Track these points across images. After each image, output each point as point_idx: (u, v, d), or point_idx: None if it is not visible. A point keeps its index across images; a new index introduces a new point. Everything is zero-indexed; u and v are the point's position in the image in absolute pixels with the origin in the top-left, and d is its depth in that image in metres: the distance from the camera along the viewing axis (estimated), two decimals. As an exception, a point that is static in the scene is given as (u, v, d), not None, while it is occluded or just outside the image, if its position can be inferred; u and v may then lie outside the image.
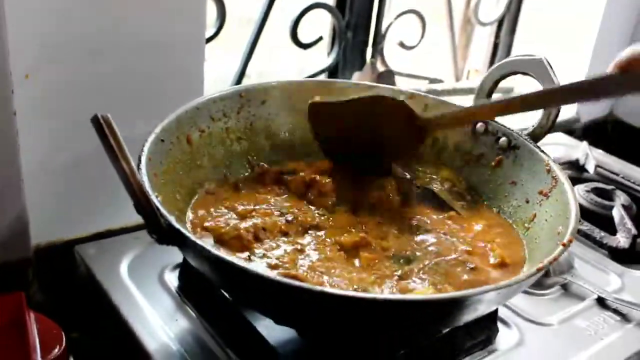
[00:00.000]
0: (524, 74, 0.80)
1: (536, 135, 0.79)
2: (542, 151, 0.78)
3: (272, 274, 0.54)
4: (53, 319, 0.68)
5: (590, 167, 1.19)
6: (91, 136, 0.59)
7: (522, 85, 1.54)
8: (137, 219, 0.84)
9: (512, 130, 0.81)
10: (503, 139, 0.82)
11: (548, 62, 0.78)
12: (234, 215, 0.73)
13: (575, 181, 1.12)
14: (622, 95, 0.73)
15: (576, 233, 0.91)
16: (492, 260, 0.71)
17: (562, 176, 0.73)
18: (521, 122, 0.85)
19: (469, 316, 0.59)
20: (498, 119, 0.83)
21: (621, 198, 1.06)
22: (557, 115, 0.78)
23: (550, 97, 0.73)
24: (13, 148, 0.73)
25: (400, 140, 0.81)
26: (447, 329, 0.70)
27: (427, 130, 0.80)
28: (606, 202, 1.05)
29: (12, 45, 0.69)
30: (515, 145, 0.80)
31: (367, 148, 0.82)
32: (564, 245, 0.62)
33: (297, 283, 0.53)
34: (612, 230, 0.99)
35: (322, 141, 0.85)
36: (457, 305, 0.56)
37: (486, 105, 0.80)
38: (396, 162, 0.84)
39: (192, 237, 0.56)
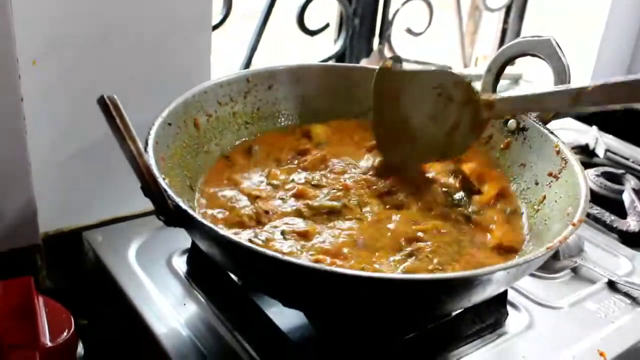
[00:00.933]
0: (533, 55, 0.79)
1: (544, 117, 0.79)
2: (552, 132, 0.77)
3: (279, 254, 0.54)
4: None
5: (600, 152, 1.18)
6: (98, 123, 0.59)
7: (530, 71, 1.53)
8: (145, 207, 0.86)
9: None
10: (512, 121, 0.81)
11: (556, 43, 0.77)
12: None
13: (585, 166, 1.10)
14: None
15: (586, 214, 0.91)
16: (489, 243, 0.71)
17: (572, 157, 0.73)
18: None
19: (478, 296, 0.58)
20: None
21: (631, 182, 1.06)
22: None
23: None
24: (21, 134, 0.73)
25: (459, 127, 0.77)
26: (457, 310, 0.70)
27: (489, 117, 0.76)
28: (616, 186, 1.04)
29: (19, 32, 0.69)
30: (524, 127, 0.80)
31: (425, 134, 0.79)
32: (573, 225, 0.62)
33: (304, 262, 0.53)
34: (623, 214, 0.98)
35: (378, 122, 0.82)
36: (467, 284, 0.55)
37: (564, 93, 0.71)
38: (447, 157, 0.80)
39: (200, 218, 0.56)
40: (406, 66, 1.31)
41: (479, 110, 0.76)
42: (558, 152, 0.75)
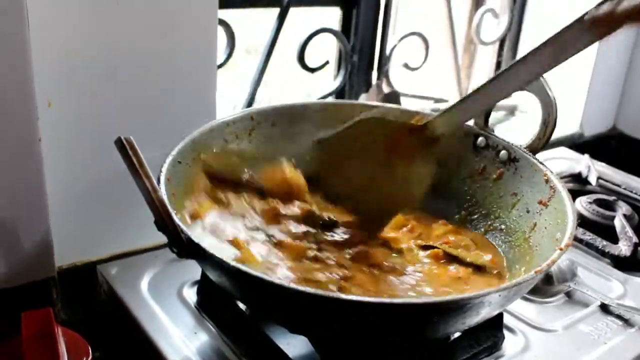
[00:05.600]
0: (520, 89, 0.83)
1: (534, 148, 0.83)
2: (541, 162, 0.81)
3: (285, 282, 0.57)
4: (77, 337, 0.71)
5: (593, 179, 1.22)
6: (111, 160, 0.63)
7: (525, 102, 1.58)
8: (155, 240, 0.89)
9: (512, 144, 0.84)
10: (503, 152, 0.85)
11: (544, 78, 0.81)
12: None
13: (578, 193, 1.15)
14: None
15: (579, 240, 0.94)
16: None
17: (560, 185, 0.77)
18: (520, 136, 0.88)
19: (472, 319, 0.62)
20: (497, 132, 0.87)
21: (623, 208, 1.09)
22: (553, 129, 0.81)
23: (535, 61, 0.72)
24: (39, 173, 0.76)
25: (408, 170, 0.80)
26: (454, 333, 0.73)
27: (433, 140, 0.79)
28: (608, 213, 1.07)
29: (36, 75, 0.72)
30: (515, 157, 0.84)
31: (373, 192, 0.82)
32: (561, 249, 0.65)
33: (311, 290, 0.56)
34: (615, 240, 1.01)
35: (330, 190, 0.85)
36: (460, 307, 0.59)
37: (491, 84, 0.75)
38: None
39: (211, 251, 0.60)
40: (403, 100, 1.36)
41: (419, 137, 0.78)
42: (547, 181, 0.78)
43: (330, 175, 0.86)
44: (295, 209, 0.83)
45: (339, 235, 0.80)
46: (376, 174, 0.83)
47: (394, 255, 0.79)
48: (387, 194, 0.82)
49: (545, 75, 0.81)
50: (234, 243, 0.72)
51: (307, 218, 0.81)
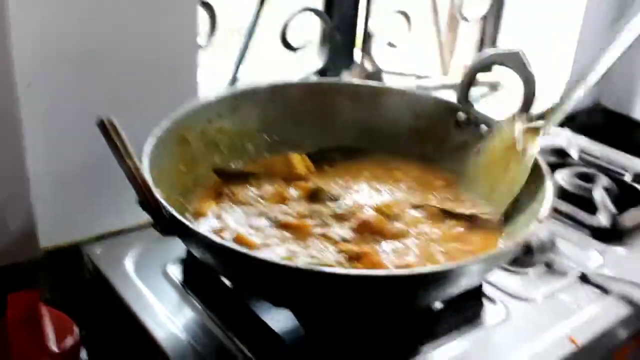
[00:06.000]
0: (502, 65, 0.84)
1: (515, 122, 0.84)
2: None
3: (270, 257, 0.58)
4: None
5: (574, 153, 1.23)
6: (93, 140, 0.63)
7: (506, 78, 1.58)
8: (139, 219, 0.89)
9: (491, 118, 0.85)
10: (483, 127, 0.86)
11: (524, 55, 0.82)
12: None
13: (559, 167, 1.17)
14: None
15: (559, 212, 0.96)
16: None
17: (539, 159, 0.78)
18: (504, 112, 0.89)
19: (452, 290, 0.63)
20: (480, 108, 0.88)
21: (603, 181, 1.10)
22: (532, 104, 0.82)
23: None
24: (20, 155, 0.76)
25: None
26: (435, 302, 0.74)
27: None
28: (588, 185, 1.09)
29: (15, 55, 0.72)
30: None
31: None
32: (539, 221, 0.67)
33: (293, 264, 0.57)
34: (594, 211, 1.02)
35: None
36: (442, 277, 0.60)
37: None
38: None
39: (193, 227, 0.60)
40: (387, 78, 1.37)
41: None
42: (526, 155, 0.79)
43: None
44: (299, 189, 0.83)
45: (342, 208, 0.80)
46: (498, 174, 0.84)
47: (393, 220, 0.79)
48: (505, 188, 0.82)
49: (525, 51, 0.83)
50: (238, 240, 0.72)
51: (313, 195, 0.82)
